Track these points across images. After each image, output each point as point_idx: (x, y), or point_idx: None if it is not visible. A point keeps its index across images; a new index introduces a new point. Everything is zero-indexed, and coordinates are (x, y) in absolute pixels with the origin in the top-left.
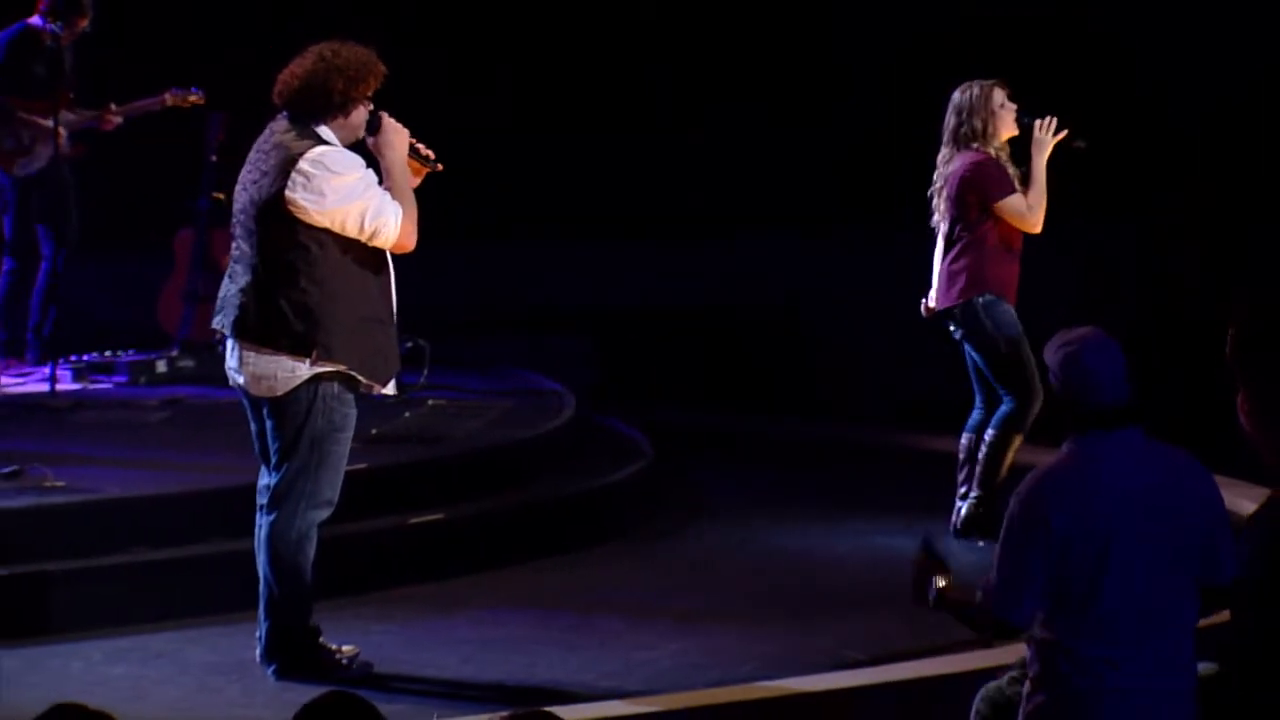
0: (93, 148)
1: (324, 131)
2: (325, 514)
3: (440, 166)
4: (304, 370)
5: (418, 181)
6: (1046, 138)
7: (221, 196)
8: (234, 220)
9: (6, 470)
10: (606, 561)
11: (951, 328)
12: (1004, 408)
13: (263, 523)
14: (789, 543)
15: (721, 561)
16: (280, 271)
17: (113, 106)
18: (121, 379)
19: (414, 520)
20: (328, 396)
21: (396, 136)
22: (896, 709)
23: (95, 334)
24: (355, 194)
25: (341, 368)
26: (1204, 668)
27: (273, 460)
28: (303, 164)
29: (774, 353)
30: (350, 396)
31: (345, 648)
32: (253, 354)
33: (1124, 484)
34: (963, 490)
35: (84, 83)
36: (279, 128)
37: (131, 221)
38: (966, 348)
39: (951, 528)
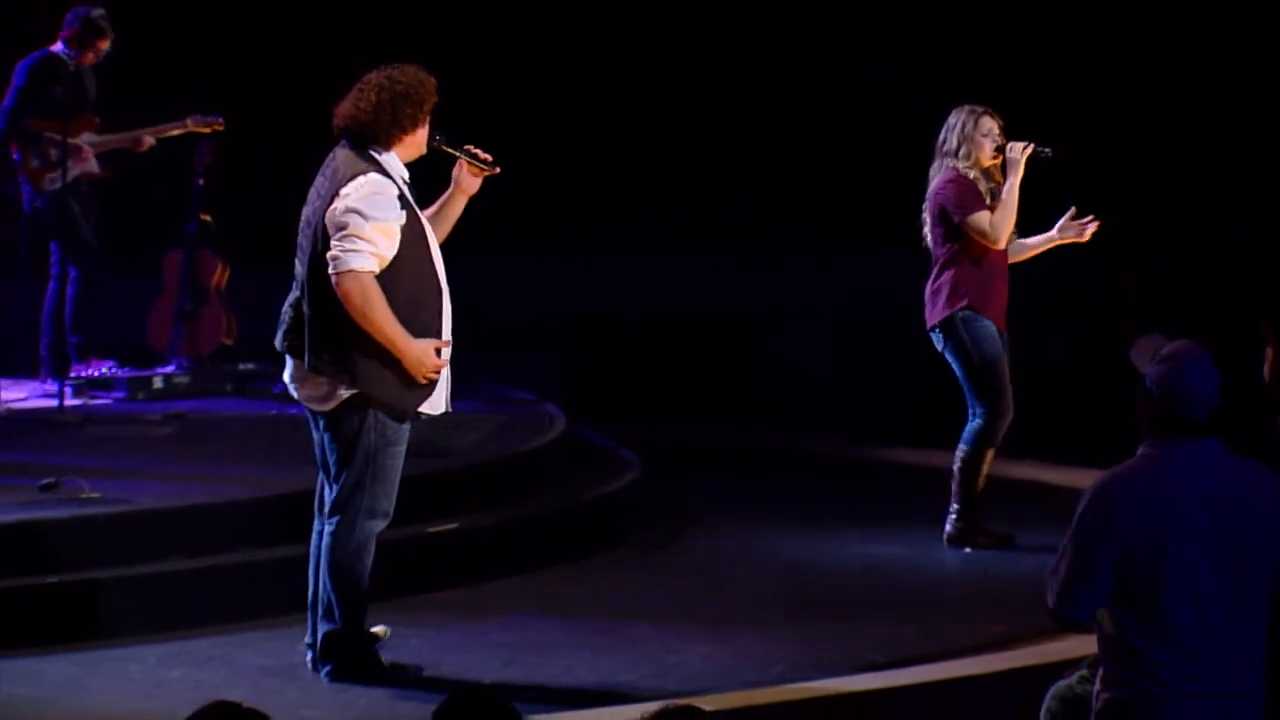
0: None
1: (384, 157)
2: (382, 525)
3: (498, 170)
4: (344, 390)
5: (477, 185)
6: (1018, 156)
7: (209, 219)
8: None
9: (44, 482)
10: (615, 568)
11: (937, 344)
12: (975, 422)
13: (322, 531)
14: (785, 550)
15: (726, 568)
16: (321, 293)
17: (145, 133)
18: (120, 394)
19: (432, 530)
20: (375, 413)
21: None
22: (926, 709)
23: (88, 351)
24: (355, 219)
25: (374, 393)
26: None
27: (331, 471)
28: (346, 187)
29: (734, 366)
30: (401, 411)
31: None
32: (301, 370)
33: (1193, 492)
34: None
35: (113, 107)
36: (340, 154)
37: (121, 243)
38: (949, 359)
39: (946, 540)
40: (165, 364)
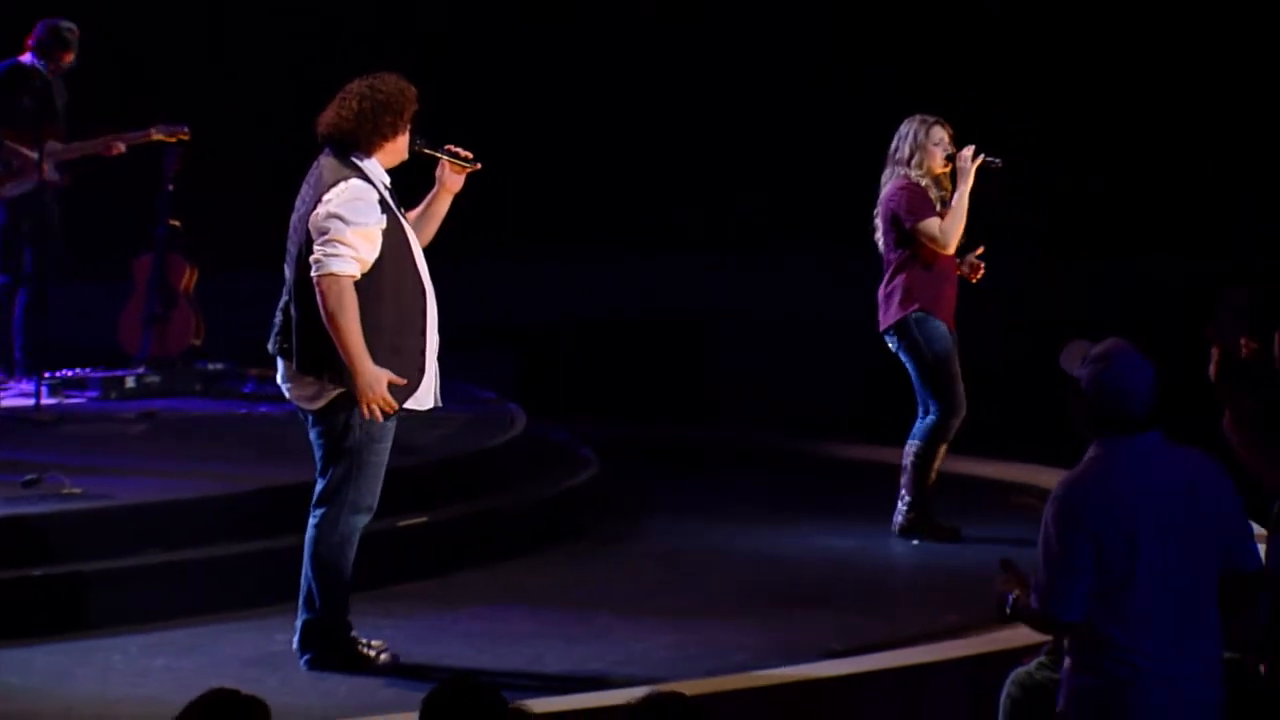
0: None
1: (366, 163)
2: (366, 519)
3: (479, 165)
4: (330, 389)
5: (460, 183)
6: (968, 166)
7: (177, 224)
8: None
9: (27, 479)
10: (579, 561)
11: (891, 345)
12: (929, 419)
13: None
14: (742, 543)
15: (686, 560)
16: (305, 296)
17: (114, 139)
18: (94, 394)
19: (402, 523)
20: (359, 411)
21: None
22: (889, 695)
23: (60, 353)
24: (336, 224)
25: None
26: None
27: (318, 466)
28: (329, 194)
29: (678, 365)
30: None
31: (375, 642)
32: (290, 371)
33: (1147, 484)
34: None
35: (79, 114)
36: (324, 161)
37: (92, 247)
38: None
39: (896, 530)
40: (135, 364)
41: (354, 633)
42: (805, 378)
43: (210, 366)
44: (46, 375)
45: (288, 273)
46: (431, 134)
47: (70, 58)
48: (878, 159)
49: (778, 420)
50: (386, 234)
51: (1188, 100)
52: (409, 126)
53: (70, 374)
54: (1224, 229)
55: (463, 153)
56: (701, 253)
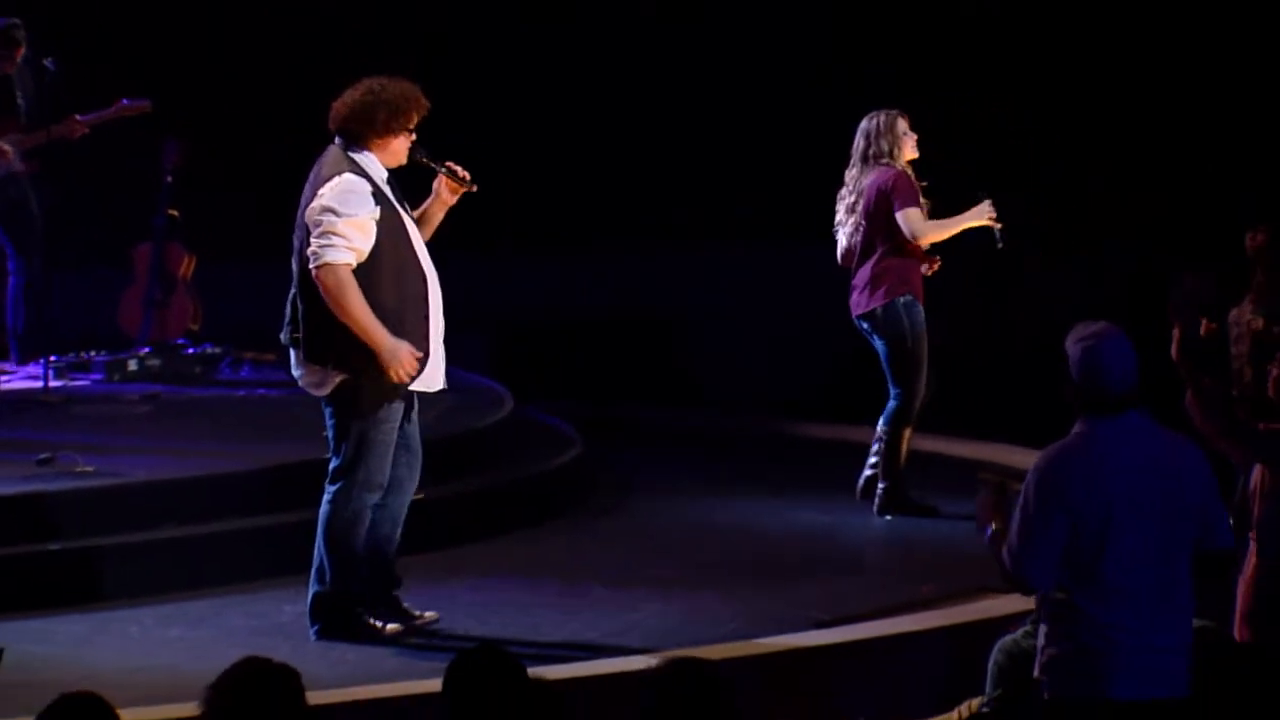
0: (52, 167)
1: (363, 157)
2: (376, 496)
3: (475, 188)
4: (335, 376)
5: (455, 199)
6: (983, 214)
7: (176, 214)
8: None
9: (41, 457)
10: (569, 535)
11: (866, 326)
12: (892, 404)
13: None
14: (721, 518)
15: (669, 534)
16: (308, 288)
17: (76, 117)
18: (98, 377)
19: None
20: (365, 394)
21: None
22: (877, 662)
23: (64, 337)
24: (329, 217)
25: (363, 376)
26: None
27: (330, 447)
28: (323, 188)
29: (644, 354)
30: (390, 390)
31: (428, 613)
32: (300, 359)
33: (1128, 461)
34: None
35: (50, 104)
36: (324, 158)
37: (94, 236)
38: (877, 344)
39: (858, 494)
40: (136, 348)
41: (393, 607)
42: (784, 362)
43: (209, 350)
44: (54, 359)
45: (294, 266)
46: (435, 147)
47: (22, 52)
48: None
49: (756, 402)
50: (382, 223)
51: (1188, 100)
52: (410, 132)
53: (73, 358)
54: (1224, 229)
55: (461, 172)
56: (705, 249)
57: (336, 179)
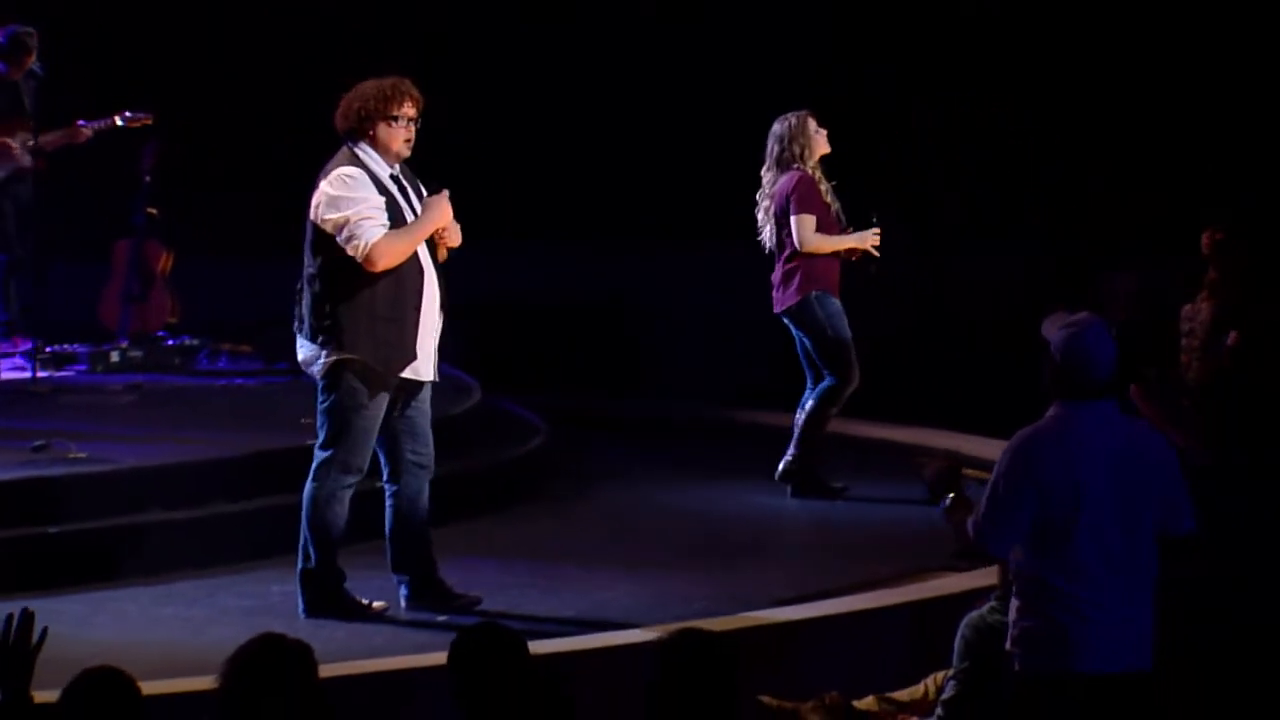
0: (48, 167)
1: (364, 154)
2: (354, 479)
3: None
4: (326, 356)
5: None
6: (864, 238)
7: (154, 212)
8: None
9: (36, 445)
10: (539, 518)
11: (787, 322)
12: (826, 382)
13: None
14: (681, 502)
15: (633, 517)
16: (313, 273)
17: (80, 123)
18: (81, 368)
19: (378, 484)
20: (352, 377)
21: (435, 211)
22: (844, 637)
23: (47, 328)
24: (342, 208)
25: (352, 357)
26: None
27: (317, 426)
28: (323, 184)
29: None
30: (378, 377)
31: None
32: (300, 343)
33: (1099, 445)
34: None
35: (78, 111)
36: (335, 154)
37: (76, 232)
38: (798, 336)
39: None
40: (116, 340)
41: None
42: (733, 354)
43: (188, 342)
44: (48, 349)
45: (304, 254)
46: (435, 147)
47: (31, 59)
48: (878, 157)
49: (707, 391)
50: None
51: (1187, 100)
52: (398, 120)
53: (59, 349)
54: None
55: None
56: (704, 249)
57: (333, 173)
